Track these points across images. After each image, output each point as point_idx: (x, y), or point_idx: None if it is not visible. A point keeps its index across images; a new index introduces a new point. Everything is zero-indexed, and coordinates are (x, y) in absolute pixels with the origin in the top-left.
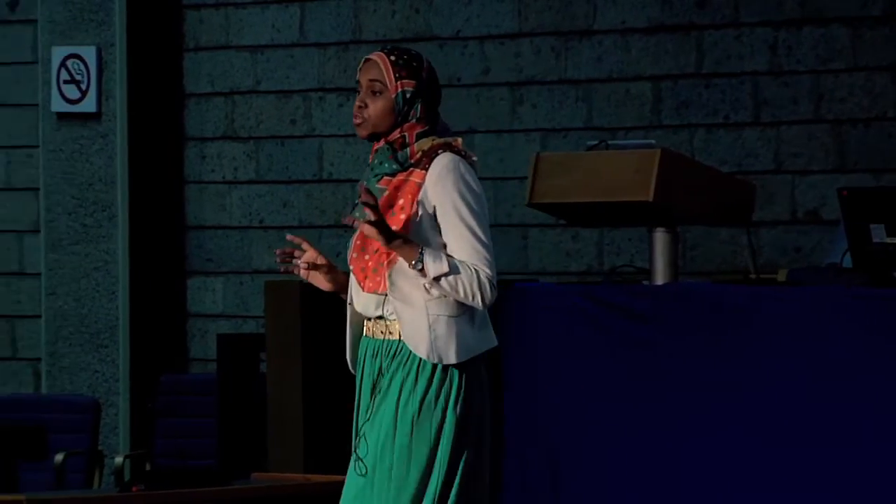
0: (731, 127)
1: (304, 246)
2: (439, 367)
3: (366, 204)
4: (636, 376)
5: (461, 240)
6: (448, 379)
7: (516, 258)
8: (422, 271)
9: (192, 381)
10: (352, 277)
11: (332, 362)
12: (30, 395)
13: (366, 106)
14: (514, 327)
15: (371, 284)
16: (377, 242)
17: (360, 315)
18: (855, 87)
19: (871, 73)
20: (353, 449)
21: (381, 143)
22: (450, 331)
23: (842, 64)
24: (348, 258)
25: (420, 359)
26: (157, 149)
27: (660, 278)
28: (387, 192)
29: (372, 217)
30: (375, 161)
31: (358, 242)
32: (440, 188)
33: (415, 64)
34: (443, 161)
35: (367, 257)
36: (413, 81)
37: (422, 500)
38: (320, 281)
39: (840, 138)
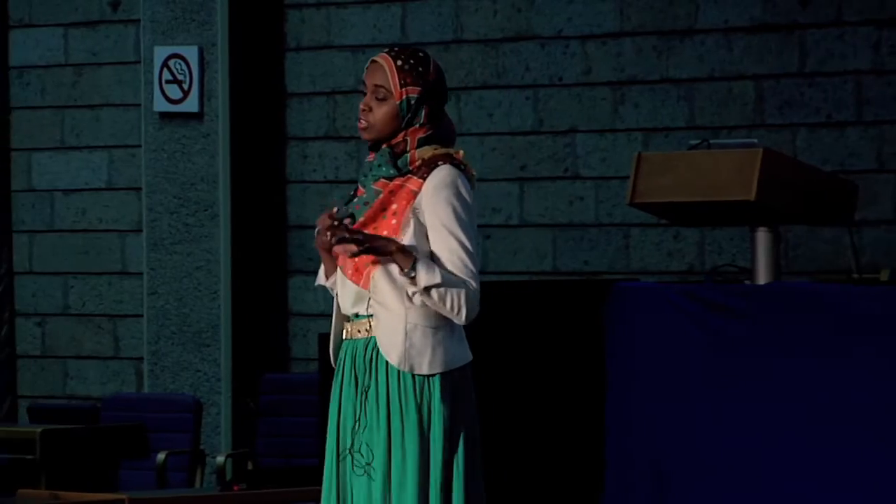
0: (834, 126)
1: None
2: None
3: (347, 239)
4: (738, 376)
5: (451, 252)
6: (428, 386)
7: (617, 258)
8: (413, 279)
9: (294, 381)
10: (339, 270)
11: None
12: (132, 395)
13: (370, 110)
14: (616, 327)
15: (356, 276)
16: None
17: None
18: None
19: None
20: (345, 450)
21: (383, 145)
22: (426, 341)
23: None
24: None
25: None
26: (258, 148)
27: (761, 278)
28: (382, 195)
29: (355, 249)
30: (375, 162)
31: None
32: (435, 199)
33: (420, 69)
34: (441, 173)
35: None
36: (418, 88)
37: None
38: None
39: None
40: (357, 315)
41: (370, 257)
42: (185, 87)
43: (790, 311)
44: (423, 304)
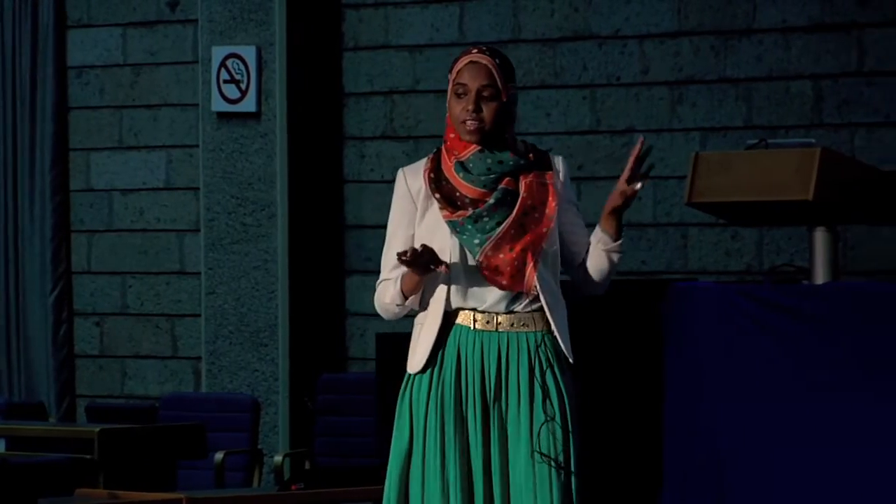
0: (893, 126)
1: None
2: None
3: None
4: (797, 376)
5: (585, 229)
6: (570, 368)
7: (676, 257)
8: (620, 246)
9: (351, 380)
10: (457, 276)
11: None
12: (190, 394)
13: (480, 111)
14: (674, 327)
15: (515, 284)
16: (516, 242)
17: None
18: None
19: None
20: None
21: (483, 145)
22: (567, 328)
23: None
24: (479, 254)
25: (554, 349)
26: (316, 148)
27: (820, 278)
28: (524, 190)
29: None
30: (488, 160)
31: (496, 241)
32: (567, 185)
33: (511, 66)
34: (560, 161)
35: (501, 255)
36: (513, 84)
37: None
38: (420, 270)
39: None
40: (513, 310)
41: (521, 262)
42: (243, 86)
43: (850, 312)
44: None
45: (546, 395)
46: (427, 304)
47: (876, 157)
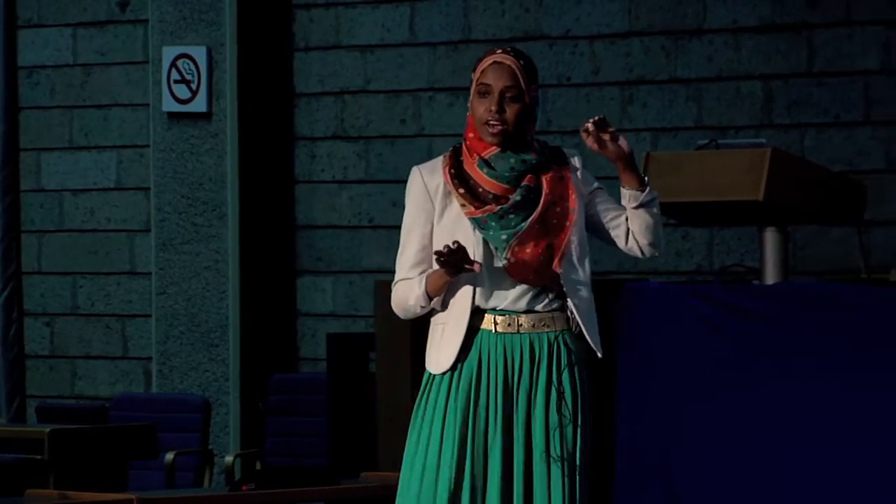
0: (843, 126)
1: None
2: (589, 357)
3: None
4: (747, 375)
5: (614, 200)
6: (589, 367)
7: (627, 257)
8: (649, 194)
9: (302, 381)
10: (482, 273)
11: None
12: (141, 394)
13: (504, 112)
14: (626, 326)
15: (541, 279)
16: (541, 238)
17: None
18: None
19: None
20: (536, 447)
21: (505, 145)
22: (596, 322)
23: None
24: (506, 250)
25: (582, 348)
26: (267, 148)
27: (770, 278)
28: (546, 187)
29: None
30: (511, 160)
31: (521, 236)
32: (585, 175)
33: (534, 67)
34: (573, 154)
35: (528, 250)
36: (536, 86)
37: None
38: (452, 271)
39: None
40: (532, 310)
41: (547, 257)
42: (194, 86)
43: (799, 311)
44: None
45: (562, 396)
46: (447, 303)
47: (825, 158)
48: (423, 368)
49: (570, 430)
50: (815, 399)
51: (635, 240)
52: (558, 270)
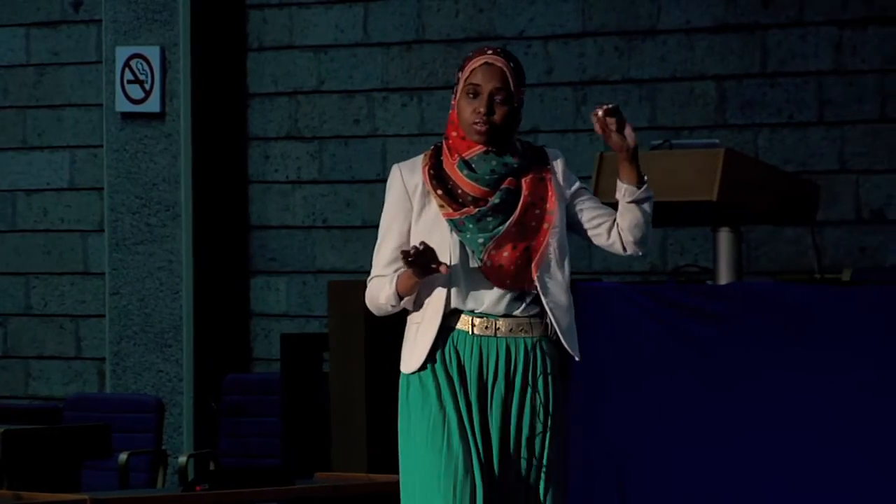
0: (796, 126)
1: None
2: (566, 362)
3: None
4: (700, 375)
5: (602, 206)
6: (566, 373)
7: (580, 257)
8: (646, 192)
9: (256, 381)
10: (457, 275)
11: (394, 361)
12: (94, 395)
13: (493, 113)
14: (578, 327)
15: (518, 283)
16: (518, 241)
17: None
18: None
19: None
20: (509, 451)
21: (489, 146)
22: (575, 328)
23: None
24: (483, 253)
25: (558, 355)
26: (220, 148)
27: (723, 278)
28: (526, 187)
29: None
30: (493, 162)
31: (498, 239)
32: (568, 176)
33: (522, 69)
34: (556, 154)
35: (504, 253)
36: (524, 88)
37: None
38: (419, 272)
39: None
40: (510, 314)
41: (524, 260)
42: (147, 87)
43: (752, 311)
44: (637, 225)
45: (535, 402)
46: (422, 303)
47: (779, 158)
48: (376, 369)
49: (542, 438)
50: (770, 400)
51: (619, 235)
52: (535, 275)
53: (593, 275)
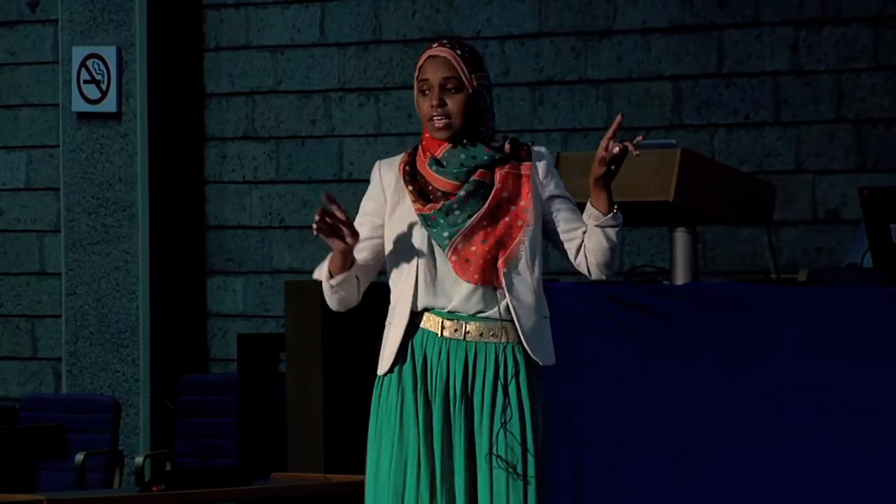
0: (752, 127)
1: (335, 209)
2: (539, 368)
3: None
4: (656, 375)
5: (575, 213)
6: (538, 378)
7: None
8: (615, 215)
9: (213, 381)
10: (426, 272)
11: (351, 362)
12: (50, 395)
13: (445, 105)
14: None
15: (485, 279)
16: (489, 235)
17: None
18: (876, 86)
19: (893, 73)
20: (482, 453)
21: (456, 142)
22: (547, 331)
23: (863, 63)
24: (447, 248)
25: (524, 359)
26: (177, 149)
27: (680, 278)
28: (498, 182)
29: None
30: (468, 153)
31: (466, 233)
32: (549, 176)
33: (477, 55)
34: (540, 151)
35: (473, 248)
36: (481, 73)
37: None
38: (338, 242)
39: (860, 138)
40: (481, 317)
41: (493, 255)
42: (104, 87)
43: (708, 312)
44: (604, 248)
45: (507, 404)
46: (394, 303)
47: (735, 158)
48: (333, 369)
49: (515, 439)
50: (724, 400)
51: (585, 256)
52: (501, 271)
53: (550, 275)
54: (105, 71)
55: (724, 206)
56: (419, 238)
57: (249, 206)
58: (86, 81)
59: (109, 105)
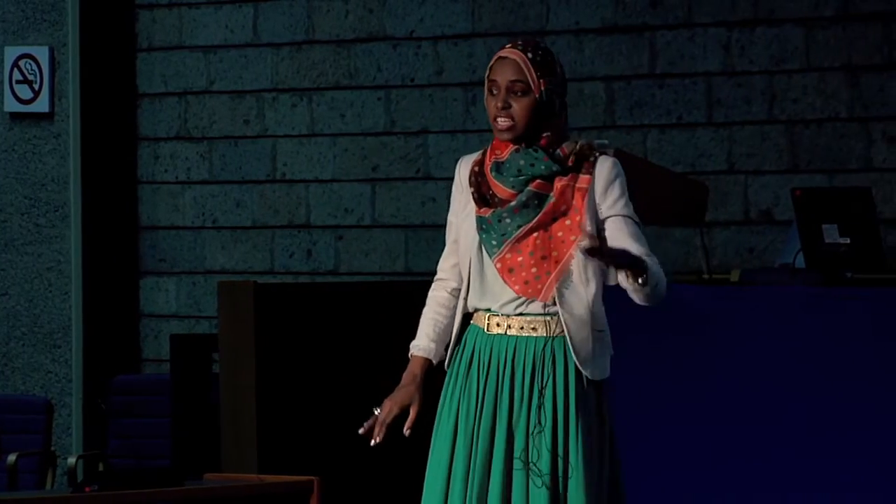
0: (685, 127)
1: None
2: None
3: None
4: None
5: (635, 238)
6: (601, 390)
7: None
8: (643, 285)
9: (146, 382)
10: (477, 273)
11: (285, 362)
12: None
13: (510, 107)
14: None
15: (529, 291)
16: (538, 248)
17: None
18: (808, 87)
19: (824, 74)
20: (520, 453)
21: (521, 143)
22: (604, 346)
23: (795, 64)
24: (494, 255)
25: (566, 358)
26: (110, 149)
27: (612, 279)
28: (554, 196)
29: (595, 244)
30: (526, 160)
31: (513, 243)
32: (609, 192)
33: (549, 59)
34: (606, 165)
35: (520, 259)
36: (551, 78)
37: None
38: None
39: (793, 138)
40: (524, 312)
41: (540, 268)
42: (36, 87)
43: (641, 312)
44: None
45: (542, 403)
46: (461, 298)
47: (668, 159)
48: (266, 370)
49: (545, 438)
50: (659, 400)
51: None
52: (551, 291)
53: None
54: (37, 71)
55: (656, 206)
56: (477, 239)
57: (182, 207)
58: (18, 81)
59: (42, 105)
